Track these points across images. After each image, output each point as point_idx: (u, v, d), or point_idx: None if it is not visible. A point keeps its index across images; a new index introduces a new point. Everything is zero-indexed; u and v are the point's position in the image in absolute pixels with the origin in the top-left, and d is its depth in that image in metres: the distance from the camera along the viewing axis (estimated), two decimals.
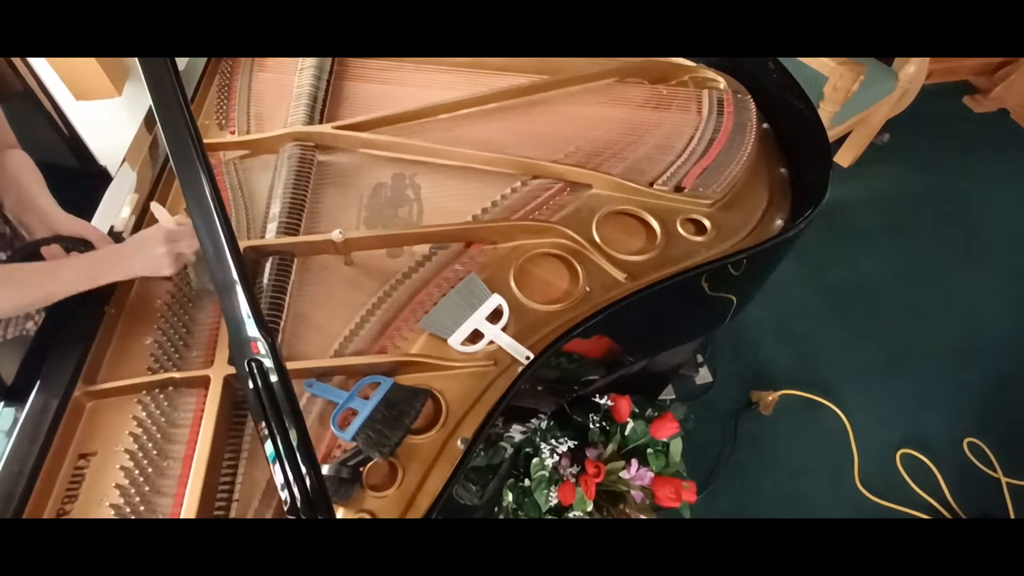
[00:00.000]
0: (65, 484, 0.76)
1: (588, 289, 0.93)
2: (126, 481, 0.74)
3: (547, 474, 1.15)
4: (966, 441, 1.73)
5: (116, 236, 0.98)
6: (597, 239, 0.98)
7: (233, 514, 0.74)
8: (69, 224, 0.88)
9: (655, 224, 1.00)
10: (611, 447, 1.21)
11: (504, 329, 0.87)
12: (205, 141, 0.96)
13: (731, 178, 1.05)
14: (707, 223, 1.01)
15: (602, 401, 1.23)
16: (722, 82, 1.22)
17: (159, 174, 1.06)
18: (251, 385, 0.63)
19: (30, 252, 0.86)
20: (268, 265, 0.94)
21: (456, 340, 0.85)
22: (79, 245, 0.86)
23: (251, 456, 0.79)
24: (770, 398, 1.76)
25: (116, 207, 1.01)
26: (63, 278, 0.78)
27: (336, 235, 0.92)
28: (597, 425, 1.23)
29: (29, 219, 0.89)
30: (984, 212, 2.30)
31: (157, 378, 0.82)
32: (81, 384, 0.82)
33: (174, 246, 0.82)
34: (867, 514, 1.61)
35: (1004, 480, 1.66)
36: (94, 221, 1.03)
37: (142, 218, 1.00)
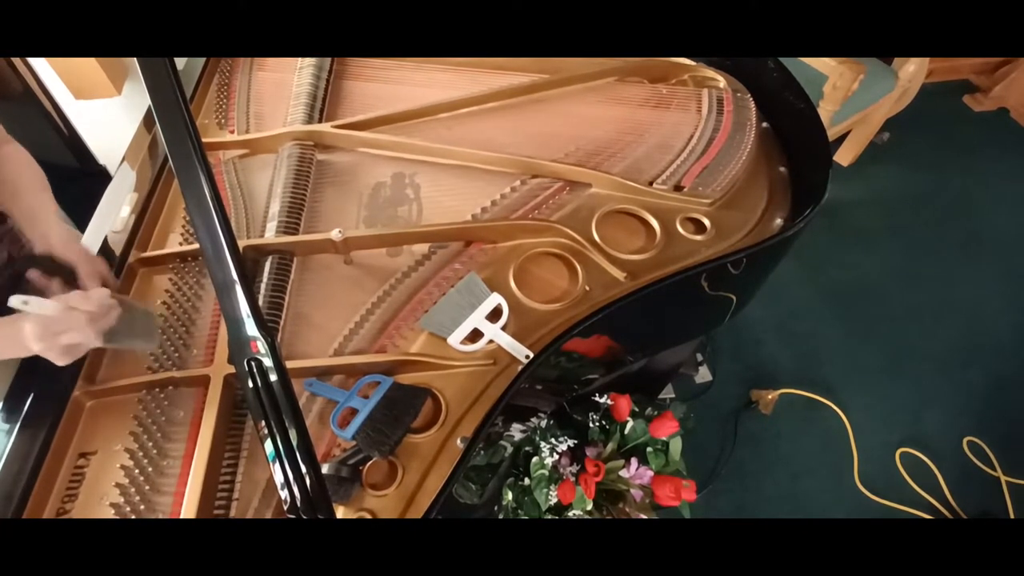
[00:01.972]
0: (65, 483, 0.76)
1: (588, 288, 0.93)
2: (126, 480, 0.75)
3: (547, 473, 1.15)
4: (966, 440, 1.73)
5: (116, 235, 0.98)
6: (597, 238, 0.97)
7: (233, 513, 0.74)
8: (60, 243, 0.78)
9: (655, 223, 1.00)
10: (611, 446, 1.21)
11: (504, 328, 0.87)
12: (204, 140, 0.96)
13: (731, 177, 1.05)
14: (707, 222, 1.01)
15: (602, 400, 1.23)
16: (722, 81, 1.22)
17: (158, 173, 1.06)
18: (251, 384, 0.63)
19: (10, 276, 0.78)
20: (268, 264, 0.94)
21: (456, 339, 0.85)
22: (62, 270, 0.77)
23: (251, 455, 0.79)
24: (770, 397, 1.76)
25: (115, 206, 1.01)
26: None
27: (336, 234, 0.92)
28: (597, 424, 1.23)
29: (26, 226, 0.81)
30: (984, 211, 2.30)
31: (157, 377, 0.82)
32: (81, 383, 0.82)
33: (53, 340, 0.66)
34: (867, 513, 1.61)
35: (1004, 479, 1.66)
36: (93, 220, 1.03)
37: (142, 218, 1.00)
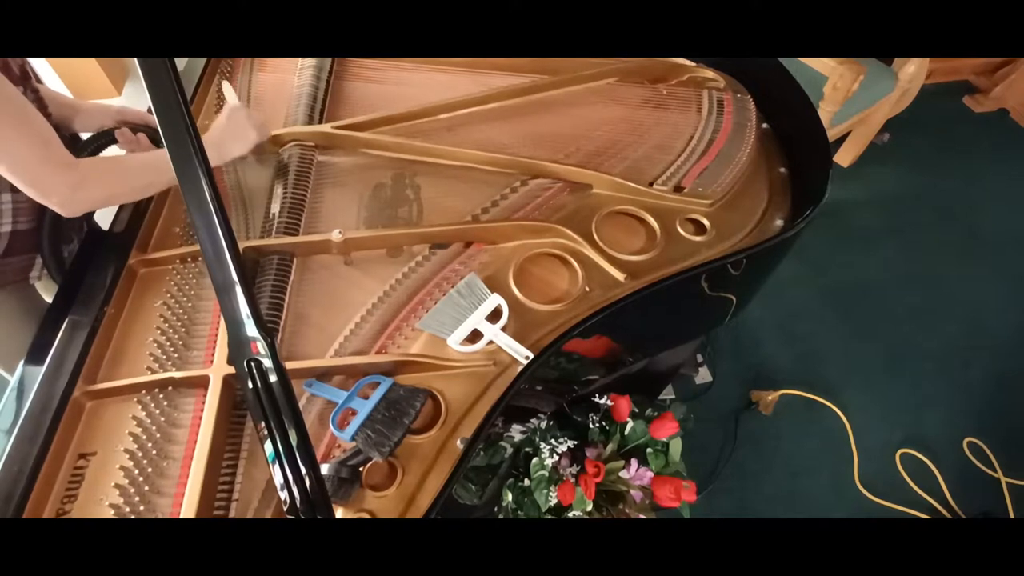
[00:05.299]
0: (65, 484, 0.76)
1: (588, 289, 0.93)
2: (126, 481, 0.74)
3: (547, 474, 1.15)
4: (966, 441, 1.73)
5: (116, 236, 0.98)
6: (597, 239, 0.97)
7: (233, 514, 0.74)
8: (136, 112, 1.03)
9: (655, 224, 1.00)
10: (611, 447, 1.21)
11: (504, 329, 0.87)
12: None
13: (731, 178, 1.05)
14: (707, 223, 1.01)
15: (602, 401, 1.23)
16: (722, 82, 1.22)
17: None
18: (250, 385, 0.63)
19: (108, 139, 0.99)
20: (268, 265, 0.94)
21: (456, 340, 0.85)
22: (146, 129, 1.01)
23: (251, 456, 0.79)
24: (770, 398, 1.76)
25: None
26: (164, 167, 0.81)
27: (336, 235, 0.92)
28: (597, 425, 1.23)
29: (96, 119, 1.01)
30: (984, 212, 2.30)
31: (157, 378, 0.82)
32: (81, 384, 0.82)
33: (255, 118, 0.97)
34: (867, 514, 1.61)
35: (1004, 480, 1.66)
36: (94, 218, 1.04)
37: (142, 218, 1.00)
